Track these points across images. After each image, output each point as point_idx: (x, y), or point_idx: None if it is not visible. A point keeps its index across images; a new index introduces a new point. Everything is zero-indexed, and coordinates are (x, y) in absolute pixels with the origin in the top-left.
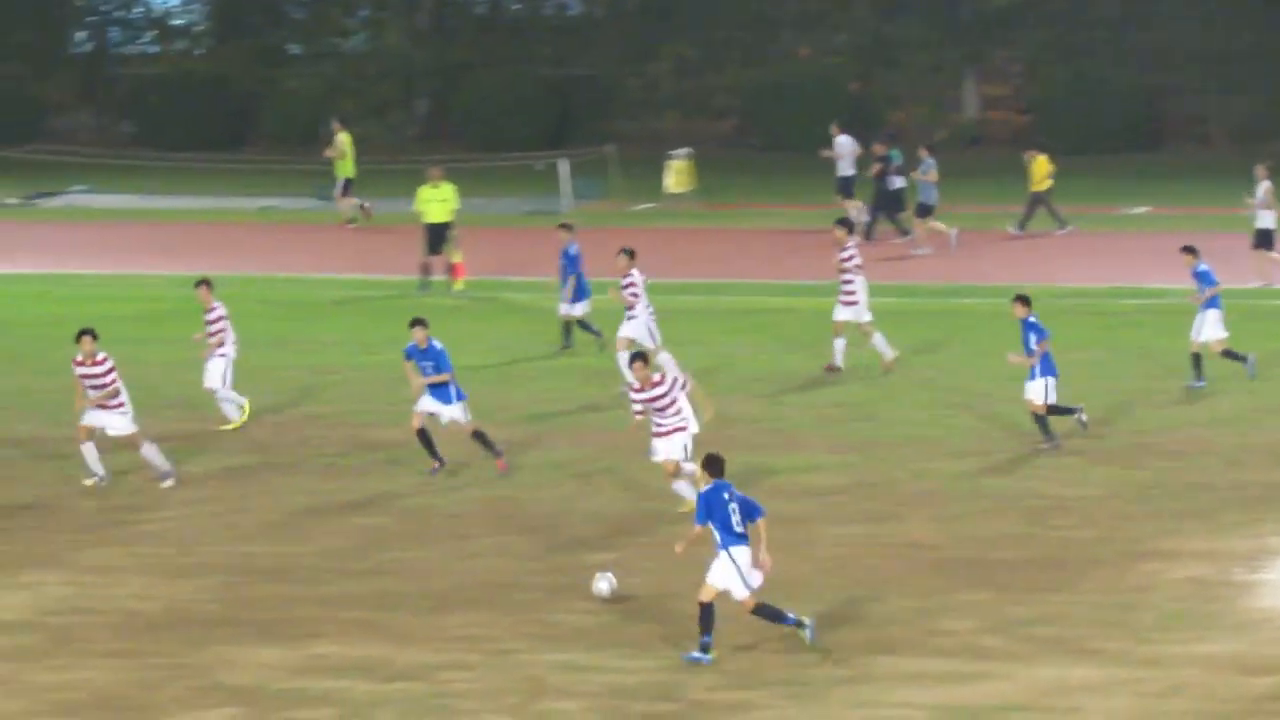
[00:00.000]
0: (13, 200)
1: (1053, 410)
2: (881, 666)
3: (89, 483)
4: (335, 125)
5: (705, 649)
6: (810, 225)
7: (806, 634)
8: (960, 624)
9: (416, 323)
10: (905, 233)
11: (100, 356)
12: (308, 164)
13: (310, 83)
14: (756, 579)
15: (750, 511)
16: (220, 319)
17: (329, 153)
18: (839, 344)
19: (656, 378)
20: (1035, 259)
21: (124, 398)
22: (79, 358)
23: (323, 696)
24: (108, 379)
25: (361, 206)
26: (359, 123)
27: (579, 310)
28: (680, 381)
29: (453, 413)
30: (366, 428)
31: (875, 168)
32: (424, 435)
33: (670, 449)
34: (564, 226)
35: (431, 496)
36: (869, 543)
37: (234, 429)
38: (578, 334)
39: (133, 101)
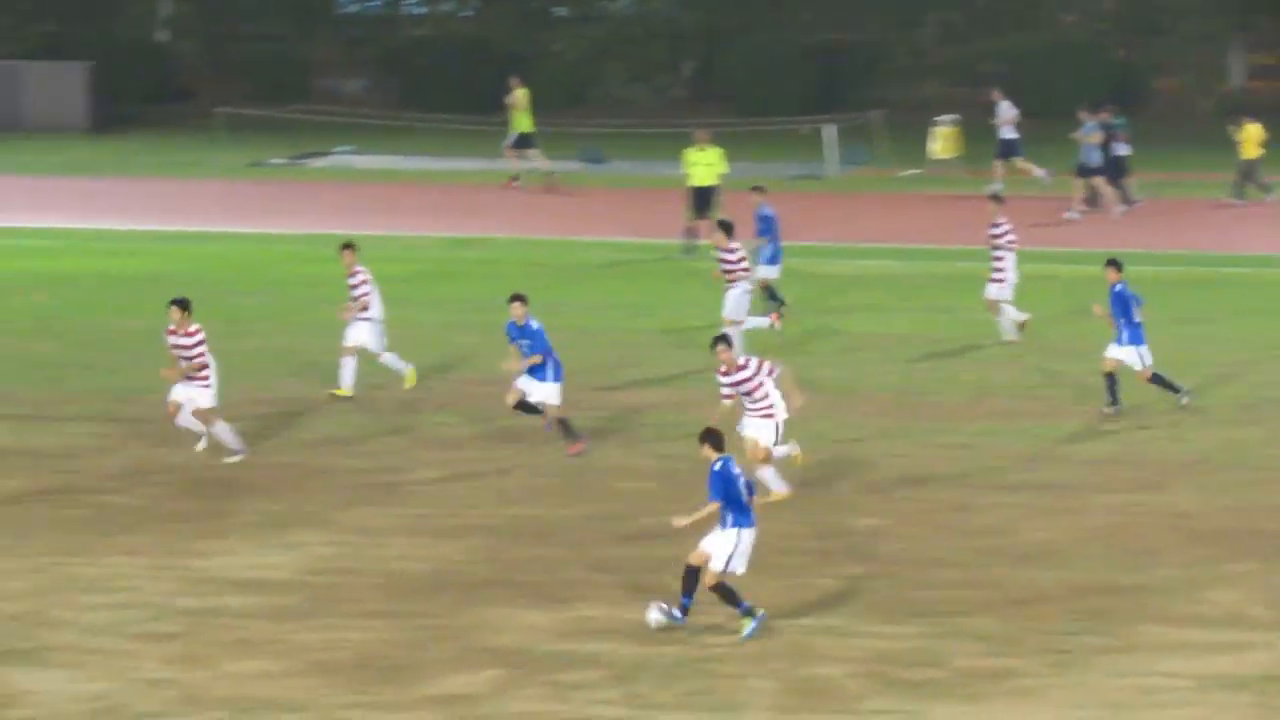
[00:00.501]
0: (279, 160)
1: (1156, 380)
2: (1146, 636)
3: (232, 460)
4: (514, 81)
5: (750, 614)
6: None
7: (748, 626)
8: (1227, 594)
9: (515, 298)
10: (1130, 202)
11: (193, 328)
12: (572, 127)
13: (575, 45)
14: (741, 565)
15: (750, 488)
16: (364, 283)
17: (508, 100)
18: (1003, 318)
19: (741, 361)
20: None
21: (210, 372)
22: (171, 327)
23: (587, 659)
24: (195, 350)
25: (548, 173)
26: (625, 86)
27: (768, 273)
28: (768, 368)
29: (544, 392)
30: (627, 392)
31: (1096, 135)
32: (523, 405)
33: (762, 433)
34: (757, 189)
35: (695, 461)
36: (1136, 511)
37: (344, 395)
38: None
39: (399, 63)
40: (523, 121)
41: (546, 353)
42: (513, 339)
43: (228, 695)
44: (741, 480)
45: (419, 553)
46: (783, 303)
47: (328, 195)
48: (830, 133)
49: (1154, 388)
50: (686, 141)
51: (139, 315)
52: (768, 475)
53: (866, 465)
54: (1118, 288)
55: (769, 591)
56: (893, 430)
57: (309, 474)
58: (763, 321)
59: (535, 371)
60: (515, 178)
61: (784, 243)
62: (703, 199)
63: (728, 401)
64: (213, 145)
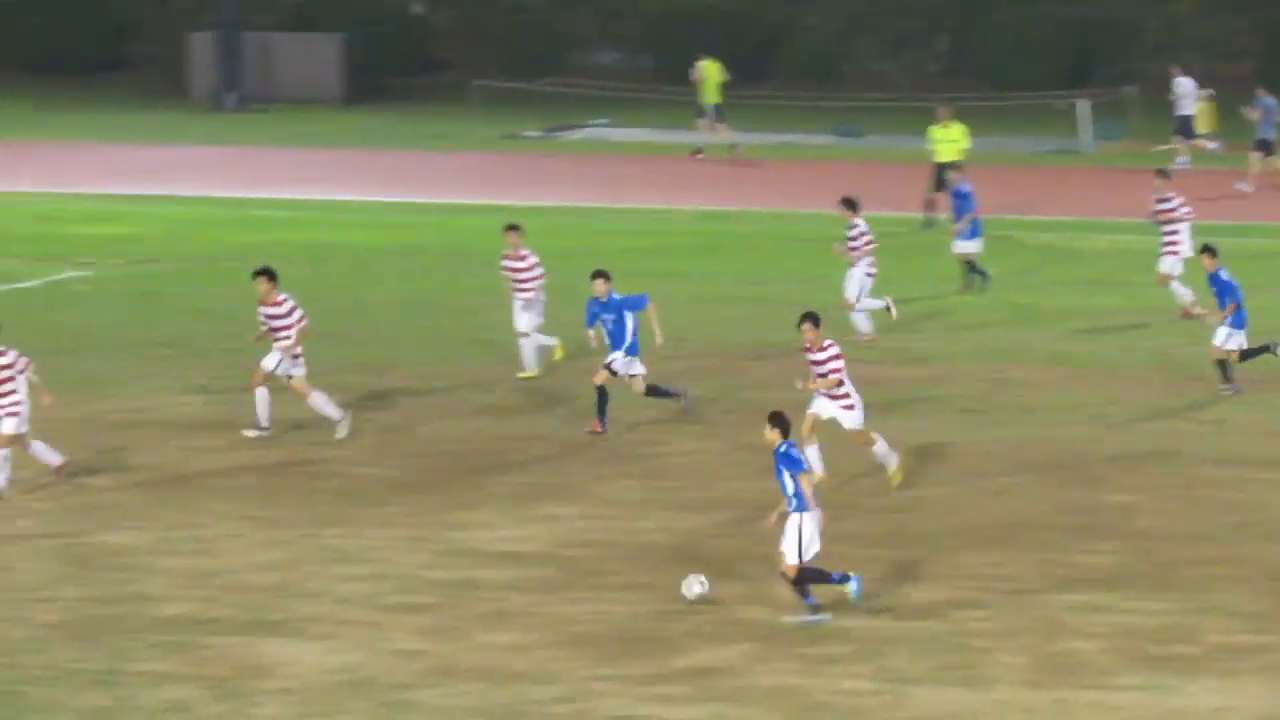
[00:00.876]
0: (534, 133)
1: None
2: None
3: (251, 434)
4: (700, 55)
5: (843, 580)
6: None
7: (814, 617)
8: None
9: (598, 275)
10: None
11: (280, 298)
12: (828, 100)
13: (830, 19)
14: (817, 545)
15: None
16: (533, 265)
17: (693, 75)
18: (1178, 292)
19: (826, 343)
20: None
21: (301, 347)
22: (260, 298)
23: (837, 633)
24: (284, 321)
25: (732, 146)
26: (878, 60)
27: (969, 248)
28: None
29: (625, 365)
30: (882, 365)
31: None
32: (602, 393)
33: (852, 419)
34: (952, 167)
35: (952, 434)
36: None
37: (529, 377)
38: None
39: (654, 36)
40: (710, 94)
41: (626, 324)
42: (598, 314)
43: (479, 667)
44: (805, 464)
45: (672, 525)
46: (985, 275)
47: (581, 168)
48: (1084, 108)
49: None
50: (935, 118)
51: (391, 288)
52: (813, 454)
53: (1118, 440)
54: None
55: (1021, 567)
56: (1145, 405)
57: (563, 447)
58: (877, 303)
59: (618, 343)
60: (698, 150)
61: (1044, 217)
62: (943, 174)
63: (834, 376)
64: (466, 118)
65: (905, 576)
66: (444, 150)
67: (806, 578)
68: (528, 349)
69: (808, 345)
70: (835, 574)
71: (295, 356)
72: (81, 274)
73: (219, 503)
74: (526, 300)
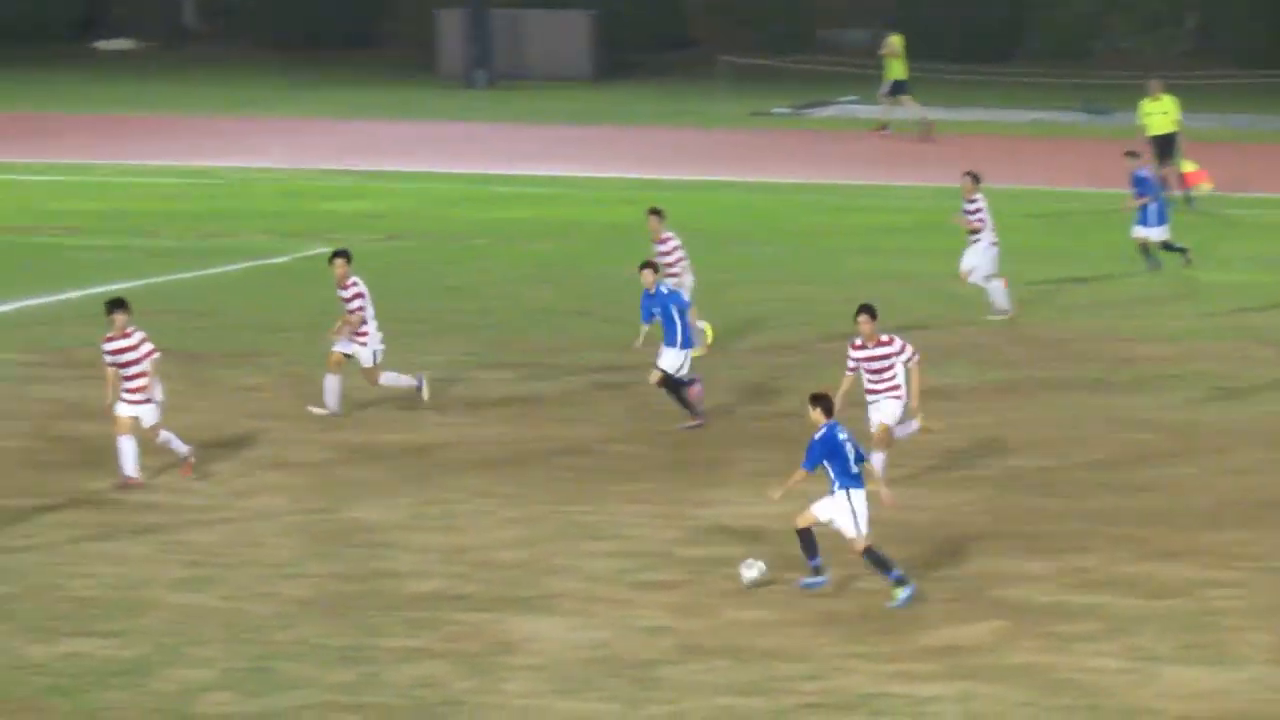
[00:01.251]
0: (782, 109)
1: None
2: None
3: (318, 411)
4: (888, 30)
5: (818, 571)
6: None
7: (901, 594)
8: None
9: (646, 265)
10: None
11: (350, 282)
12: (1078, 78)
13: None
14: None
15: (859, 454)
16: (675, 249)
17: (882, 50)
18: None
19: (885, 338)
20: None
21: (370, 328)
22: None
23: (1086, 611)
24: (353, 305)
25: (921, 121)
26: (1129, 38)
27: (1151, 233)
28: (909, 354)
29: (665, 359)
30: (1128, 342)
31: None
32: (668, 382)
33: (885, 413)
34: (1130, 154)
35: (1196, 412)
36: None
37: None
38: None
39: (902, 12)
40: (896, 69)
41: (675, 320)
42: (644, 305)
43: (727, 644)
44: (849, 445)
45: (921, 503)
46: (1184, 251)
47: (829, 145)
48: None
49: None
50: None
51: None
52: (879, 462)
53: None
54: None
55: (1272, 545)
56: None
57: (809, 425)
58: (999, 290)
59: (667, 338)
60: (884, 125)
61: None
62: (1164, 147)
63: (850, 375)
64: (715, 94)
65: (1154, 555)
66: (691, 127)
67: (873, 555)
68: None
69: (860, 342)
70: (897, 571)
71: (364, 343)
72: (330, 250)
73: (467, 478)
74: (675, 283)
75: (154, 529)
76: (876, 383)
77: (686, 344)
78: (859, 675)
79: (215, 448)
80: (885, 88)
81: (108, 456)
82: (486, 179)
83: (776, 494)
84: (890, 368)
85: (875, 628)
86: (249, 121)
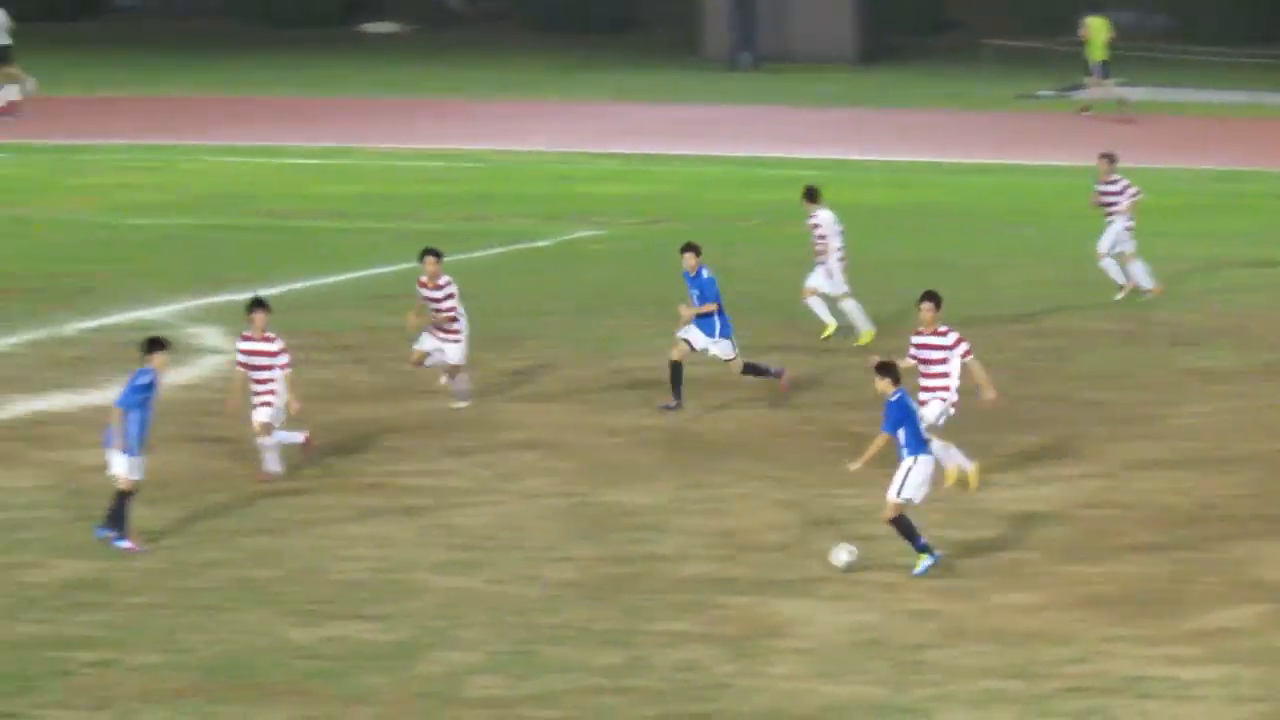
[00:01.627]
0: (1047, 92)
1: None
2: None
3: (459, 406)
4: (1086, 13)
5: (926, 551)
6: None
7: (923, 562)
8: None
9: (688, 248)
10: None
11: (443, 280)
12: None
13: None
14: (918, 495)
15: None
16: (822, 236)
17: (1081, 33)
18: None
19: (942, 329)
20: None
21: (462, 324)
22: (422, 279)
23: None
24: (446, 304)
25: (1121, 102)
26: None
27: None
28: (964, 348)
29: (712, 346)
30: None
31: None
32: (676, 368)
33: (931, 413)
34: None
35: None
36: None
37: (830, 334)
38: None
39: None
40: (1097, 51)
41: (716, 303)
42: (688, 286)
43: (992, 627)
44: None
45: (1186, 486)
46: None
47: (1093, 127)
48: None
49: None
50: None
51: (906, 245)
52: (955, 453)
53: None
54: None
55: None
56: None
57: (1073, 407)
58: (1134, 276)
59: (701, 323)
60: (1086, 107)
61: None
62: None
63: (910, 362)
64: (979, 77)
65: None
66: (956, 109)
67: (901, 523)
68: (854, 313)
69: (921, 328)
70: (922, 539)
71: (457, 341)
72: (594, 233)
73: (730, 461)
74: (824, 266)
75: (416, 512)
76: (928, 377)
77: (726, 331)
78: (1122, 659)
79: (475, 431)
80: (1096, 70)
81: (369, 441)
82: (750, 161)
83: (857, 465)
84: (942, 360)
85: (1139, 611)
86: (512, 105)
